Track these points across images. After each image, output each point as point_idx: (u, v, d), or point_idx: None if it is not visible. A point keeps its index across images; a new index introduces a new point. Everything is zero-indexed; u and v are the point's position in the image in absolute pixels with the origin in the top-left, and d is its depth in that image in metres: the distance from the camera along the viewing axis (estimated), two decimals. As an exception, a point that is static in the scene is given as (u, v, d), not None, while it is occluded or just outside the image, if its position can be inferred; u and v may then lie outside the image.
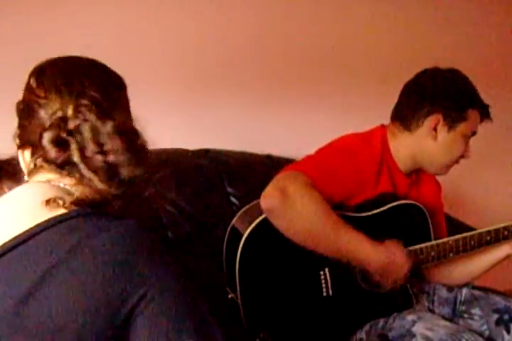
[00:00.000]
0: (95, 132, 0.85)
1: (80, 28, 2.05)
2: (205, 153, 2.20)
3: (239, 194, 2.13)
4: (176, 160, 2.12)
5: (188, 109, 2.30)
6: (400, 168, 1.72)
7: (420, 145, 1.69)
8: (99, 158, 0.84)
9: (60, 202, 0.81)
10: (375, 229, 1.58)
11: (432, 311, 1.77)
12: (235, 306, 1.51)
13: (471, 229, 2.14)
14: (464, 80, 1.71)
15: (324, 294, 1.56)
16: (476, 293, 1.76)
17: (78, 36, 2.03)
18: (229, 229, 1.65)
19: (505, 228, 1.70)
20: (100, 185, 0.84)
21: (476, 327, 1.67)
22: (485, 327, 1.66)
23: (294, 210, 1.43)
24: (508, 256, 1.74)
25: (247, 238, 1.49)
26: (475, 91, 1.71)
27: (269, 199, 1.45)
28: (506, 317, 1.65)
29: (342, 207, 1.58)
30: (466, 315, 1.72)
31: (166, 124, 2.22)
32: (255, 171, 2.19)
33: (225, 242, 1.64)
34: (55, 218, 0.80)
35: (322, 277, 1.56)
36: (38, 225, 0.79)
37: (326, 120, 2.57)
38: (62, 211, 0.81)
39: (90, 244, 0.76)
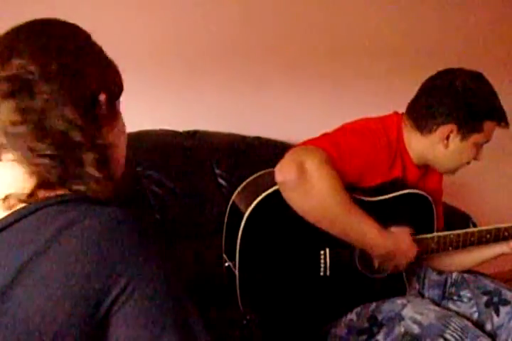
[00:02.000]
0: None
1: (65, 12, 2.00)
2: (194, 134, 2.19)
3: (227, 175, 2.12)
4: (164, 141, 2.11)
5: (177, 90, 2.27)
6: (413, 159, 1.69)
7: (431, 149, 1.65)
8: None
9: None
10: (380, 215, 1.55)
11: (421, 294, 1.77)
12: (231, 275, 1.51)
13: (468, 217, 2.15)
14: (486, 88, 1.63)
15: (321, 274, 1.55)
16: (466, 275, 1.76)
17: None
18: (229, 204, 1.64)
19: (506, 229, 1.68)
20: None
21: (465, 309, 1.68)
22: (474, 309, 1.66)
23: (309, 185, 1.40)
24: (502, 255, 1.73)
25: (252, 210, 1.47)
26: (494, 101, 1.63)
27: (285, 172, 1.41)
28: (496, 299, 1.65)
29: (351, 188, 1.54)
30: (455, 297, 1.72)
31: (155, 106, 2.20)
32: (244, 153, 2.18)
33: (228, 212, 1.63)
34: (33, 205, 0.74)
35: (322, 257, 1.55)
36: (14, 213, 0.74)
37: (316, 102, 2.55)
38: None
39: (70, 234, 0.70)
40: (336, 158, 1.46)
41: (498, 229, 1.68)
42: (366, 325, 1.52)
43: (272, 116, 2.47)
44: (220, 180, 2.12)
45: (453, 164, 1.69)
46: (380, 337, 1.48)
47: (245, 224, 1.47)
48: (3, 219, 0.74)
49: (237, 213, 1.54)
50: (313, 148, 1.46)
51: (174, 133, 2.14)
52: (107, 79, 0.88)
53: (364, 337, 1.50)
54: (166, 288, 0.73)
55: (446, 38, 2.77)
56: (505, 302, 1.64)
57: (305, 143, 1.52)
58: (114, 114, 0.90)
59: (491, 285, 1.70)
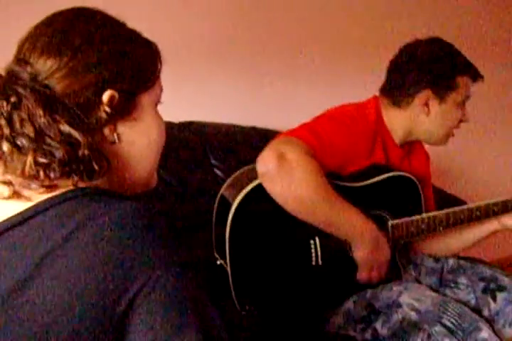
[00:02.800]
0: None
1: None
2: (190, 125, 2.18)
3: (223, 166, 2.11)
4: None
5: (172, 81, 2.23)
6: (394, 139, 1.70)
7: (414, 121, 1.67)
8: None
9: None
10: (367, 200, 1.57)
11: (418, 281, 1.78)
12: (224, 273, 1.50)
13: (460, 200, 2.16)
14: (446, 48, 1.67)
15: (313, 263, 1.55)
16: (463, 262, 1.77)
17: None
18: (218, 197, 1.63)
19: (494, 204, 1.69)
20: None
21: (462, 296, 1.68)
22: (471, 295, 1.67)
23: (290, 176, 1.40)
24: (495, 232, 1.74)
25: (238, 204, 1.47)
26: (459, 56, 1.67)
27: (266, 163, 1.41)
28: (493, 285, 1.66)
29: (334, 176, 1.56)
30: (452, 285, 1.72)
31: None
32: (240, 143, 2.17)
33: (215, 210, 1.62)
34: (51, 199, 0.74)
35: (312, 246, 1.55)
36: (33, 207, 0.74)
37: (311, 92, 2.55)
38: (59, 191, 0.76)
39: (89, 229, 0.70)
40: (317, 147, 1.46)
41: (487, 205, 1.69)
42: (364, 313, 1.53)
43: (268, 105, 2.46)
44: (217, 171, 2.11)
45: (440, 131, 1.70)
46: (377, 324, 1.48)
47: (233, 218, 1.46)
48: (22, 212, 0.74)
49: (225, 207, 1.53)
50: (293, 139, 1.46)
51: (170, 125, 2.13)
52: (119, 75, 0.85)
53: (362, 325, 1.51)
54: (185, 284, 0.72)
55: (445, 34, 2.78)
56: (502, 288, 1.65)
57: (285, 134, 1.52)
58: (128, 111, 0.87)
59: (487, 272, 1.70)
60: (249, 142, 2.17)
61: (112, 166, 0.83)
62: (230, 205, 1.48)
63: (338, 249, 1.56)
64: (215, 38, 2.31)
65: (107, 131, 0.85)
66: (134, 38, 0.90)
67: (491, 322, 1.60)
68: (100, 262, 0.68)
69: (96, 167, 0.79)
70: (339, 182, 1.55)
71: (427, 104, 1.65)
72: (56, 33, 0.82)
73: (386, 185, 1.63)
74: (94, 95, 0.82)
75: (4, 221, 0.73)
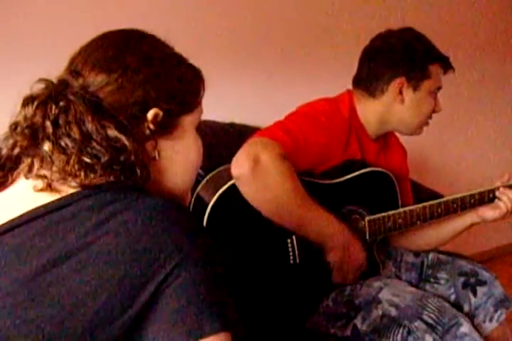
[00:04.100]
0: None
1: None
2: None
3: (202, 163, 2.08)
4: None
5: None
6: (369, 133, 1.70)
7: (388, 110, 1.67)
8: None
9: None
10: (343, 197, 1.57)
11: (398, 277, 1.77)
12: None
13: (437, 194, 2.15)
14: (418, 37, 1.68)
15: (291, 262, 1.54)
16: (442, 257, 1.77)
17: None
18: (194, 197, 1.61)
19: (471, 196, 1.70)
20: None
21: (442, 291, 1.68)
22: (451, 290, 1.67)
23: (263, 180, 1.40)
24: (473, 224, 1.74)
25: (213, 205, 1.46)
26: (431, 45, 1.68)
27: (240, 166, 1.41)
28: (473, 280, 1.66)
29: (310, 173, 1.56)
30: (432, 280, 1.72)
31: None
32: (218, 139, 2.14)
33: (191, 209, 1.60)
34: (87, 190, 0.78)
35: (289, 245, 1.54)
36: (69, 196, 0.78)
37: (289, 87, 2.53)
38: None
39: (120, 218, 0.74)
40: (290, 146, 1.46)
41: (464, 197, 1.70)
42: (343, 310, 1.52)
43: (245, 101, 2.44)
44: (196, 168, 2.09)
45: (414, 120, 1.70)
46: (357, 321, 1.47)
47: (208, 218, 1.45)
48: (56, 200, 0.77)
49: (201, 207, 1.52)
50: (267, 141, 1.45)
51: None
52: (165, 95, 0.88)
53: (342, 322, 1.50)
54: (210, 274, 0.76)
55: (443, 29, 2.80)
56: (482, 283, 1.66)
57: (259, 134, 1.50)
58: (169, 130, 0.90)
59: (467, 266, 1.71)
60: (227, 138, 2.14)
61: (150, 179, 0.86)
62: (205, 205, 1.47)
63: (315, 247, 1.55)
64: (195, 34, 2.28)
65: (149, 146, 0.87)
66: (182, 61, 0.94)
67: (471, 316, 1.61)
68: (129, 250, 0.72)
69: (139, 172, 0.82)
70: (314, 179, 1.54)
71: (401, 92, 1.65)
72: (109, 50, 0.87)
73: (361, 180, 1.62)
74: (140, 111, 0.85)
75: (37, 207, 0.76)
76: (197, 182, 1.94)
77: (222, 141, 2.13)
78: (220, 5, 2.35)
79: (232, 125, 2.24)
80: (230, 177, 1.46)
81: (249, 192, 1.43)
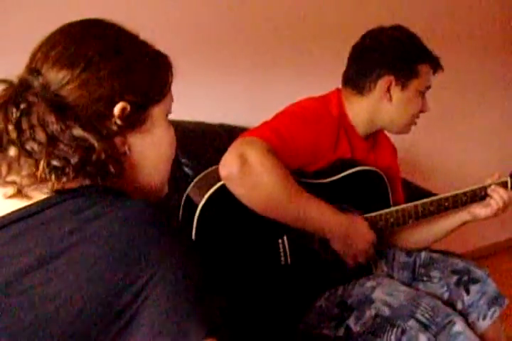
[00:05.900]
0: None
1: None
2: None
3: (192, 164, 2.08)
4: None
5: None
6: (358, 132, 1.69)
7: (376, 108, 1.67)
8: None
9: None
10: (334, 196, 1.55)
11: (391, 276, 1.76)
12: None
13: (429, 193, 2.15)
14: (409, 36, 1.67)
15: (282, 262, 1.53)
16: (435, 255, 1.76)
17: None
18: (184, 198, 1.60)
19: (463, 194, 1.69)
20: None
21: (435, 289, 1.67)
22: (445, 289, 1.66)
23: (253, 178, 1.39)
24: (465, 222, 1.73)
25: (203, 206, 1.45)
26: (421, 45, 1.67)
27: (228, 167, 1.39)
28: (465, 278, 1.65)
29: (300, 173, 1.55)
30: (425, 278, 1.71)
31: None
32: (208, 140, 2.14)
33: (181, 212, 1.59)
34: (61, 195, 0.76)
35: (280, 245, 1.53)
36: (40, 202, 0.75)
37: (279, 88, 2.53)
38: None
39: (97, 224, 0.72)
40: (279, 146, 1.44)
41: (455, 195, 1.69)
42: (336, 310, 1.51)
43: (235, 102, 2.44)
44: (185, 169, 2.08)
45: (403, 119, 1.70)
46: (350, 321, 1.46)
47: (198, 220, 1.44)
48: (28, 207, 0.75)
49: (190, 208, 1.51)
50: (254, 140, 1.43)
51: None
52: (132, 87, 0.85)
53: (335, 322, 1.49)
54: (189, 277, 0.73)
55: (441, 25, 2.81)
56: (475, 281, 1.65)
57: (247, 135, 1.49)
58: (138, 123, 0.87)
59: (460, 264, 1.70)
60: (217, 139, 2.14)
61: (123, 175, 0.84)
62: (195, 206, 1.46)
63: (306, 247, 1.55)
64: (181, 33, 2.27)
65: (118, 141, 0.85)
66: (146, 50, 0.90)
67: (464, 315, 1.60)
68: (106, 256, 0.70)
69: (112, 170, 0.81)
70: (304, 179, 1.53)
71: (389, 90, 1.65)
72: (69, 45, 0.83)
73: (352, 180, 1.62)
74: (106, 107, 0.82)
75: (8, 214, 0.75)
76: (186, 183, 1.95)
77: (211, 142, 2.13)
78: (210, 4, 2.33)
79: (221, 126, 2.24)
80: (219, 178, 1.45)
81: (241, 192, 1.42)
